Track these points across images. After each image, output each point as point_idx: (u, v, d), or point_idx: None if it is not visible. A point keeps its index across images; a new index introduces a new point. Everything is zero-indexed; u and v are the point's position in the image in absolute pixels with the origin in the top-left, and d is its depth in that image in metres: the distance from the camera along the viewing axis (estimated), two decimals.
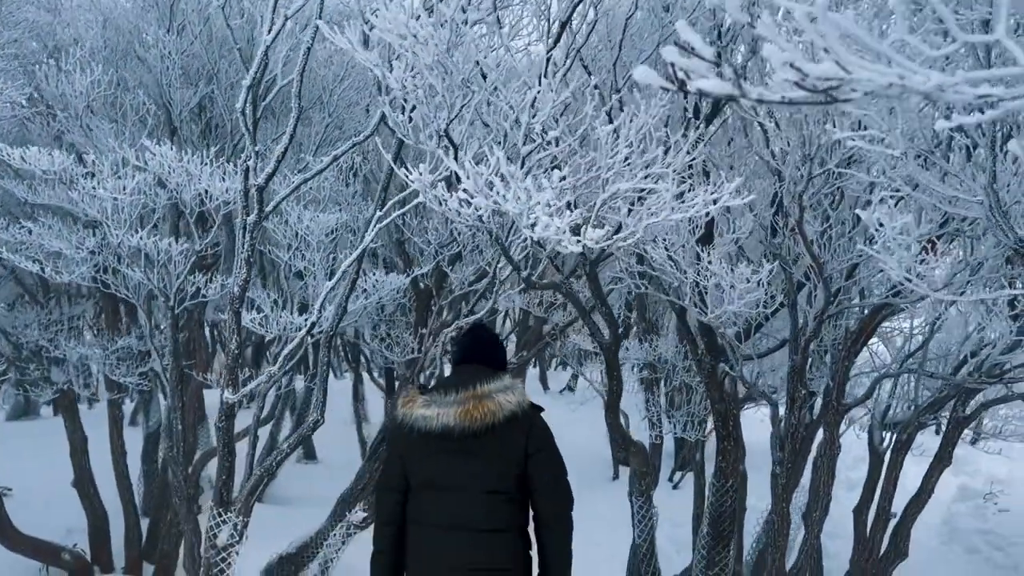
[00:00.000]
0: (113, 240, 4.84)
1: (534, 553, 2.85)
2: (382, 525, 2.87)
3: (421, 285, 6.80)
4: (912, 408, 5.48)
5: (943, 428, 5.68)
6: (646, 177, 2.70)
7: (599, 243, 2.44)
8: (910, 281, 2.61)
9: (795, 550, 5.88)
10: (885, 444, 5.68)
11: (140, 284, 5.30)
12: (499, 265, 4.77)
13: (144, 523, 7.46)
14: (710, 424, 6.43)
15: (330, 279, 4.22)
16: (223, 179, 4.73)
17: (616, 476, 10.31)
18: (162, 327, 6.24)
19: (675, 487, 9.99)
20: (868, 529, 5.57)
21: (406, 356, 6.88)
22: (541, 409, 2.86)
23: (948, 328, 5.16)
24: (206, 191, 4.74)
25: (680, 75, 0.82)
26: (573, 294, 4.20)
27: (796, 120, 3.51)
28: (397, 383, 8.06)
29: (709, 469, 5.86)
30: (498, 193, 2.53)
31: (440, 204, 2.81)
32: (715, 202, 2.46)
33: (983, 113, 0.93)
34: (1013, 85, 0.79)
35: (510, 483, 2.74)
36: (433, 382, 6.65)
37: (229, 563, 4.40)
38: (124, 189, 4.72)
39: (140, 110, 5.64)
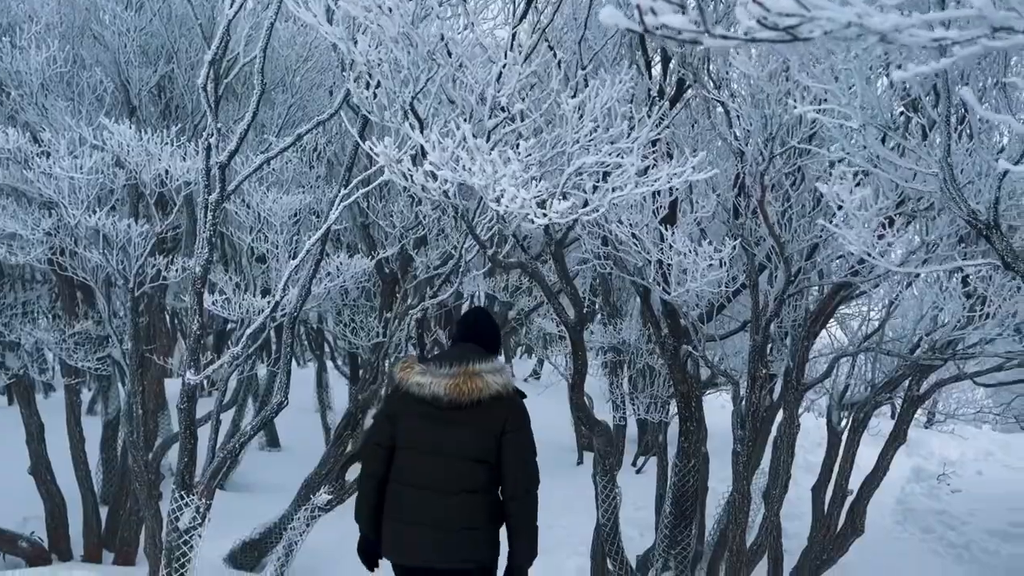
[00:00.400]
0: (70, 221, 4.75)
1: None
2: (367, 477, 3.05)
3: (386, 269, 6.77)
4: (869, 389, 5.60)
5: (898, 410, 5.81)
6: (611, 154, 2.72)
7: (565, 216, 2.46)
8: (870, 256, 2.67)
9: (755, 529, 5.98)
10: (843, 425, 5.81)
11: (98, 266, 5.20)
12: (465, 246, 4.77)
13: (103, 511, 7.34)
14: (673, 407, 6.50)
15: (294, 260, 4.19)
16: (184, 159, 4.66)
17: (580, 461, 10.36)
18: (120, 313, 6.13)
19: (638, 471, 10.06)
20: (826, 507, 5.69)
21: (371, 341, 6.85)
22: (524, 396, 3.06)
23: (904, 311, 5.28)
24: (166, 171, 4.67)
25: (647, 17, 0.83)
26: (539, 273, 4.22)
27: (758, 100, 3.55)
28: (361, 370, 8.02)
29: (672, 451, 5.93)
30: (464, 167, 2.54)
31: (406, 179, 2.80)
32: (679, 176, 2.49)
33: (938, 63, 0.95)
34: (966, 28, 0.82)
35: (488, 454, 2.92)
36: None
37: (191, 546, 4.35)
38: (81, 168, 4.63)
39: (97, 89, 5.52)
